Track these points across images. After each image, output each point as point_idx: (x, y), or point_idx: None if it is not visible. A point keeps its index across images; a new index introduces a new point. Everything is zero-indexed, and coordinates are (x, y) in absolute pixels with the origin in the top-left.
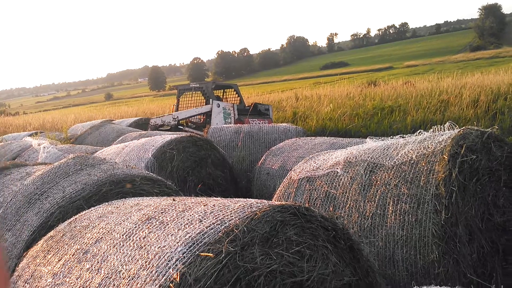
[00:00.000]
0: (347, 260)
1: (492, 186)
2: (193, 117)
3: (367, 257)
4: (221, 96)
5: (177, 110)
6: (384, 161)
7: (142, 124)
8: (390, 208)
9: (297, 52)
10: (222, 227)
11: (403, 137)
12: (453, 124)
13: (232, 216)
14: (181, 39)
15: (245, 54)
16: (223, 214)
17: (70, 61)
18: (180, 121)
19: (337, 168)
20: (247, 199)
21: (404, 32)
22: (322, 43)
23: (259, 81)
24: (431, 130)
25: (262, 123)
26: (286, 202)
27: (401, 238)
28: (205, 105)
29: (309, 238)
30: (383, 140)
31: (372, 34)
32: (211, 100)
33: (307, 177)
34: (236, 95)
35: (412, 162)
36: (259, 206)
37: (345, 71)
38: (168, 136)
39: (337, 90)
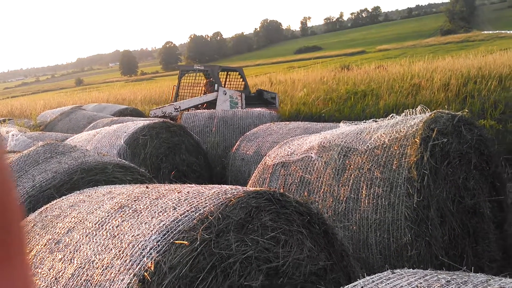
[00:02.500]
0: (321, 244)
1: (462, 169)
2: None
3: (342, 241)
4: (224, 80)
5: (177, 91)
6: (358, 145)
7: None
8: (363, 192)
9: (270, 36)
10: (197, 214)
11: (375, 121)
12: (425, 108)
13: (207, 203)
14: (153, 22)
15: (218, 38)
16: (198, 201)
17: (38, 46)
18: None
19: (311, 153)
20: (222, 185)
21: (376, 16)
22: (296, 27)
23: (233, 66)
24: (403, 114)
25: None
26: (261, 188)
27: (375, 222)
28: (208, 93)
29: (284, 223)
30: (356, 124)
31: (345, 18)
32: (216, 85)
33: (281, 162)
34: (241, 79)
35: (384, 146)
36: (234, 192)
37: (318, 55)
38: (141, 122)
39: (311, 74)
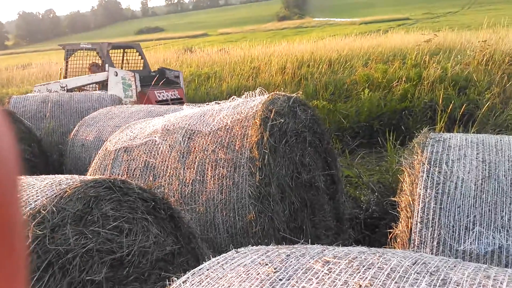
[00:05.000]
0: (168, 229)
1: (299, 146)
2: (87, 86)
3: (189, 224)
4: (121, 59)
5: (66, 74)
6: (202, 127)
7: None
8: (209, 173)
9: (110, 16)
10: (27, 209)
11: (218, 103)
12: (264, 90)
13: (39, 196)
14: None
15: (51, 15)
16: (28, 195)
17: None
18: (69, 90)
19: (155, 137)
20: (56, 175)
21: None
22: (136, 7)
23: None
24: (244, 95)
25: (172, 94)
26: (100, 176)
27: (221, 202)
28: (99, 73)
29: (128, 211)
30: (199, 106)
31: (186, 0)
32: (106, 65)
33: (124, 147)
34: (140, 57)
35: (227, 127)
36: (69, 182)
37: (161, 36)
38: None
39: (154, 56)
